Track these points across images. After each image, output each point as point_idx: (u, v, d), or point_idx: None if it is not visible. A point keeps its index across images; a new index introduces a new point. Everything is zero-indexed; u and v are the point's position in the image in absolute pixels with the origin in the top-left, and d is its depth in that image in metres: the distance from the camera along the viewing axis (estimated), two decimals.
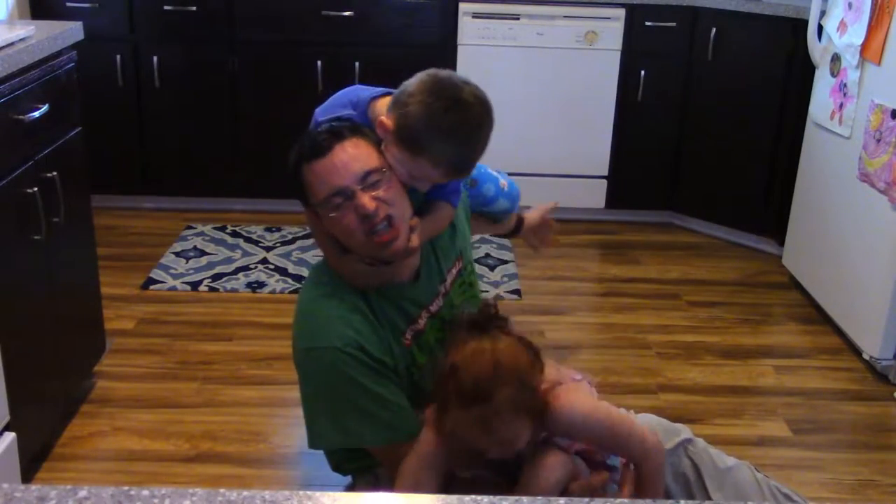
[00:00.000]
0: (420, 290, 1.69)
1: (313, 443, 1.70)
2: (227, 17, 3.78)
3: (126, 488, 0.80)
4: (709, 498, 1.63)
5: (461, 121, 1.53)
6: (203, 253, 3.60)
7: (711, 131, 3.87)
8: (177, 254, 3.58)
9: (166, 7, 3.74)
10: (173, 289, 3.29)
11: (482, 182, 1.95)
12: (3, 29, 2.17)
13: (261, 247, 3.67)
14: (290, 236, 3.76)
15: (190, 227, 3.84)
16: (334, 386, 1.61)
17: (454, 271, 1.79)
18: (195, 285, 3.32)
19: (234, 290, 3.30)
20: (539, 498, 0.79)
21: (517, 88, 3.91)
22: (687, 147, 3.96)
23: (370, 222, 1.53)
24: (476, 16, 3.82)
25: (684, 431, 1.73)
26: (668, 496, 1.65)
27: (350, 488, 1.90)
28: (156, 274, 3.40)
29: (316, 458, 2.35)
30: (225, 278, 3.39)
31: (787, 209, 3.56)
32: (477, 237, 3.35)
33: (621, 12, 3.80)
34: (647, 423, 1.64)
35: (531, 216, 2.16)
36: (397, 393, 1.63)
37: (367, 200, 1.52)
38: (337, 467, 1.85)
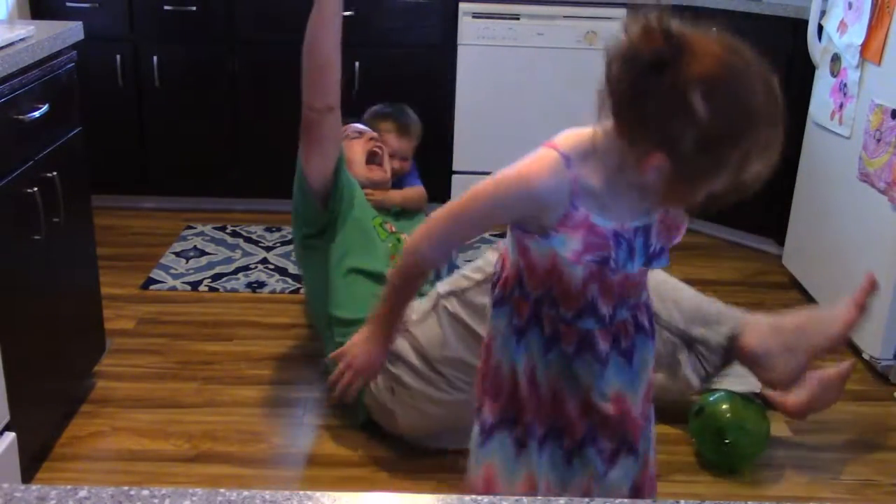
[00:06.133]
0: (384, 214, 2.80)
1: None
2: (227, 17, 3.78)
3: (126, 488, 0.80)
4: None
5: None
6: (203, 253, 3.60)
7: None
8: (177, 254, 3.58)
9: (166, 7, 3.74)
10: (173, 289, 3.29)
11: None
12: (3, 29, 2.17)
13: (261, 247, 3.67)
14: (290, 236, 3.76)
15: (190, 227, 3.85)
16: None
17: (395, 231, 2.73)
18: (195, 285, 3.32)
19: (234, 290, 3.30)
20: (539, 498, 0.79)
21: (517, 88, 3.91)
22: None
23: (371, 155, 2.92)
24: (476, 16, 3.82)
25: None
26: None
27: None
28: (156, 274, 3.40)
29: (316, 459, 2.35)
30: (225, 278, 3.39)
31: (787, 209, 3.56)
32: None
33: (621, 12, 3.80)
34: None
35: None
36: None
37: (377, 147, 2.95)
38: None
